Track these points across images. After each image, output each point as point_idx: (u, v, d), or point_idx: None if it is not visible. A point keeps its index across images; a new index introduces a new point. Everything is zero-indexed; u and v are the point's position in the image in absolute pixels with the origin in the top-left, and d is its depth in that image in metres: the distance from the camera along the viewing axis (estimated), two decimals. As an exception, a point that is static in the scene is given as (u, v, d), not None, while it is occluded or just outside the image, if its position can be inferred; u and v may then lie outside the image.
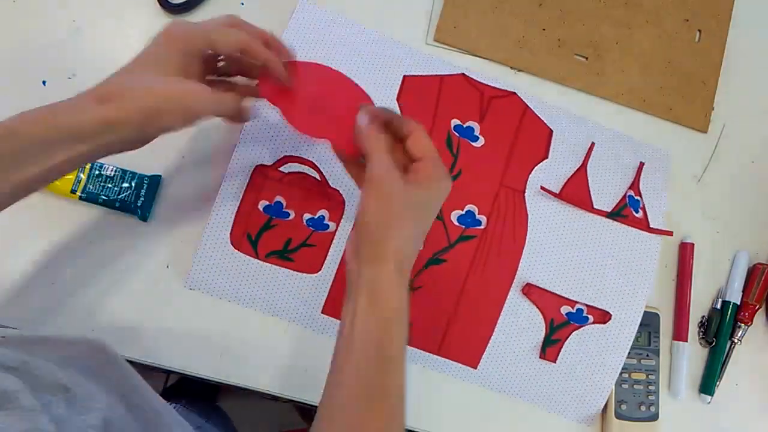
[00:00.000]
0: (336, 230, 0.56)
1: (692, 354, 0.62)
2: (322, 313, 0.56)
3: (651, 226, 0.61)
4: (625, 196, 0.61)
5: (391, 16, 0.61)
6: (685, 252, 0.63)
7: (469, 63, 0.61)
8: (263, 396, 0.58)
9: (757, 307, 0.63)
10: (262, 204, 0.55)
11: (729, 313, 0.62)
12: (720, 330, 0.62)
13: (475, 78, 0.61)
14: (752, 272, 0.64)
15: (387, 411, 0.40)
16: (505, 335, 0.58)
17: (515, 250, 0.59)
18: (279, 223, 0.55)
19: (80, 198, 0.53)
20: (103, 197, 0.53)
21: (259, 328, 0.55)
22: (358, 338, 0.39)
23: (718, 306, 0.63)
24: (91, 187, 0.53)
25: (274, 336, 0.56)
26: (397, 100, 0.58)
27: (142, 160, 0.55)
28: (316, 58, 0.54)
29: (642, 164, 0.62)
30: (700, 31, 0.66)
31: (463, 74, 0.61)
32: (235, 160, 0.55)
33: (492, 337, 0.58)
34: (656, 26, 0.65)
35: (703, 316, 0.64)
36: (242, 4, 0.59)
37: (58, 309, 0.53)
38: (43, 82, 0.55)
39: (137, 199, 0.54)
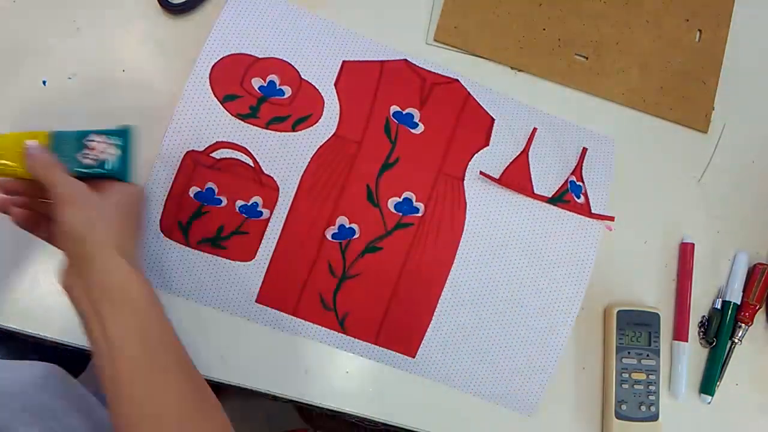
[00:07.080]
0: (270, 217, 0.55)
1: (692, 354, 0.62)
2: (256, 302, 0.55)
3: (593, 211, 0.60)
4: (567, 181, 0.60)
5: (391, 16, 0.61)
6: (685, 252, 0.63)
7: (469, 63, 0.61)
8: (263, 396, 0.58)
9: (758, 307, 0.63)
10: (193, 190, 0.54)
11: (729, 313, 0.62)
12: (720, 330, 0.62)
13: (417, 64, 0.60)
14: (752, 272, 0.64)
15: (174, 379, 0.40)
16: (443, 322, 0.57)
17: (453, 237, 0.57)
18: (211, 210, 0.54)
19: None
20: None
21: (260, 328, 0.55)
22: (117, 335, 0.39)
23: (718, 306, 0.63)
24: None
25: (274, 336, 0.56)
26: (335, 85, 0.57)
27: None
28: (252, 45, 0.55)
29: (585, 150, 0.61)
30: (700, 31, 0.66)
31: (405, 60, 0.60)
32: (165, 146, 0.53)
33: (430, 325, 0.57)
34: (656, 26, 0.65)
35: (703, 316, 0.64)
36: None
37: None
38: (44, 82, 0.55)
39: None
